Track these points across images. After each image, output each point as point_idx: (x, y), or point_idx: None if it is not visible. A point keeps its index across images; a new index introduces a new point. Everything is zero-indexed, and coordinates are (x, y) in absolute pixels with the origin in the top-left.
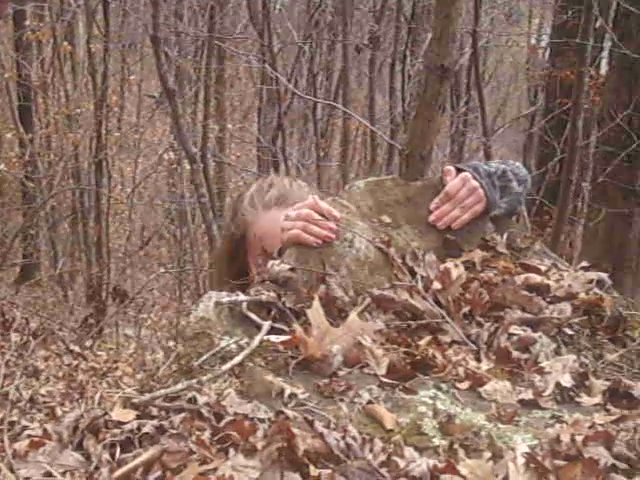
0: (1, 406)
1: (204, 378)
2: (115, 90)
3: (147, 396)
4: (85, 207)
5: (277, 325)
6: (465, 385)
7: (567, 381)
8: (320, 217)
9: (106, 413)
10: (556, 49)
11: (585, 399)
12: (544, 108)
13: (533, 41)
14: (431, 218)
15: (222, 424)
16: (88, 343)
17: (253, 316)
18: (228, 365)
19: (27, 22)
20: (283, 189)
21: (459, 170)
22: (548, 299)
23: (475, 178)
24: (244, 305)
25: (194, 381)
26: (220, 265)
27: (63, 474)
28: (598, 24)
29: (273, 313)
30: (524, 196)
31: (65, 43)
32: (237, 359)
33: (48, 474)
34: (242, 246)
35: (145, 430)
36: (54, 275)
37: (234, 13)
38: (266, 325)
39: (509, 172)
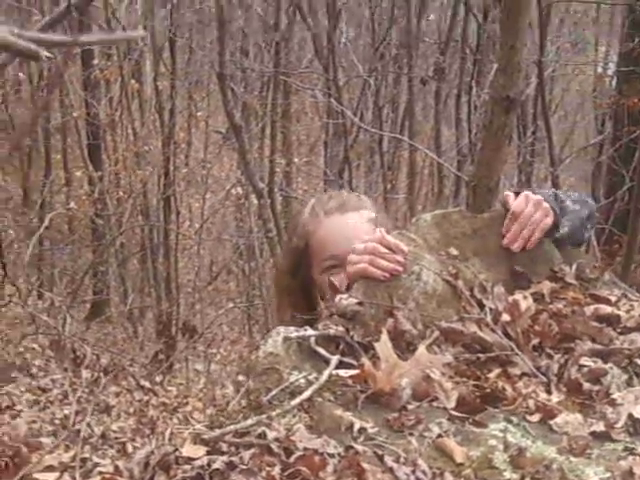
0: (73, 443)
1: (273, 413)
2: (182, 127)
3: (217, 432)
4: (154, 243)
5: (346, 359)
6: (536, 418)
7: (639, 413)
8: (387, 250)
9: (177, 449)
10: (623, 77)
11: None
12: (612, 136)
13: (600, 69)
14: (504, 242)
15: (292, 459)
16: (158, 379)
17: (321, 350)
18: (297, 400)
19: (95, 61)
20: (342, 198)
21: (517, 194)
22: (619, 330)
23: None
24: (312, 340)
25: (263, 416)
26: (282, 280)
27: None
28: None
29: (341, 347)
30: (589, 220)
31: (133, 81)
32: (306, 394)
33: None
34: (305, 257)
35: (215, 466)
36: (124, 311)
37: (299, 48)
38: (334, 359)
39: (559, 194)
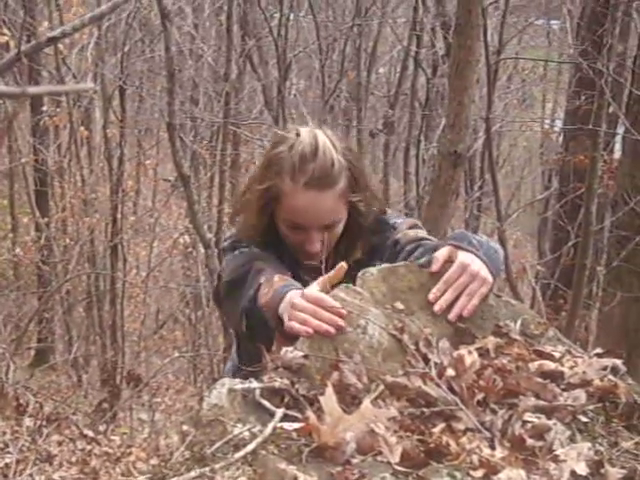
0: None
1: (217, 466)
2: (131, 175)
3: None
4: (100, 291)
5: (290, 412)
6: (479, 473)
7: (582, 469)
8: (324, 311)
9: None
10: (570, 134)
11: None
12: (558, 192)
13: (547, 126)
14: (435, 308)
15: None
16: (102, 428)
17: (266, 403)
18: (241, 453)
19: (44, 107)
20: (325, 170)
21: (457, 247)
22: (562, 386)
23: (476, 255)
24: (257, 392)
25: (207, 469)
26: (250, 208)
27: None
28: (611, 109)
29: (286, 400)
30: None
31: (82, 128)
32: (250, 447)
33: None
34: (274, 204)
35: None
36: (69, 359)
37: (249, 99)
38: (279, 412)
39: (485, 241)
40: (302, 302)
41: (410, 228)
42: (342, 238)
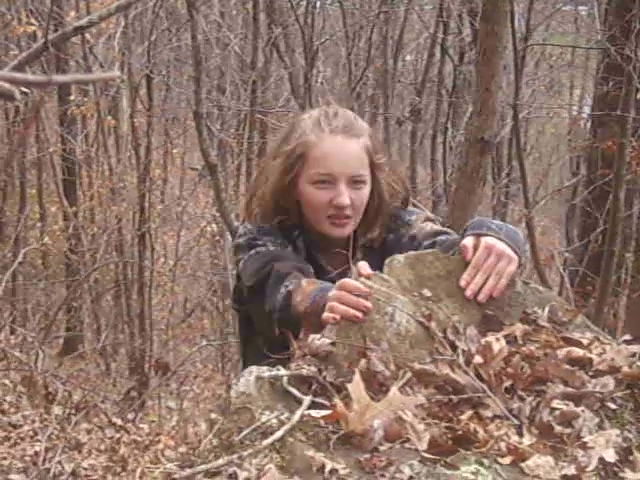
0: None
1: (245, 453)
2: (158, 163)
3: (188, 471)
4: (128, 280)
5: (318, 400)
6: (507, 460)
7: (611, 456)
8: (351, 296)
9: None
10: (598, 120)
11: (629, 474)
12: (586, 179)
13: (575, 112)
14: (467, 293)
15: None
16: (130, 416)
17: (294, 391)
18: (269, 440)
19: (72, 97)
20: (349, 120)
21: (479, 235)
22: (591, 373)
23: (498, 238)
24: (285, 380)
25: (235, 456)
26: (273, 174)
27: None
28: (639, 95)
29: (314, 388)
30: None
31: (109, 117)
32: (278, 434)
33: None
34: (299, 162)
35: None
36: (97, 347)
37: (276, 87)
38: (307, 400)
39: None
40: (332, 292)
41: (425, 222)
42: (363, 217)
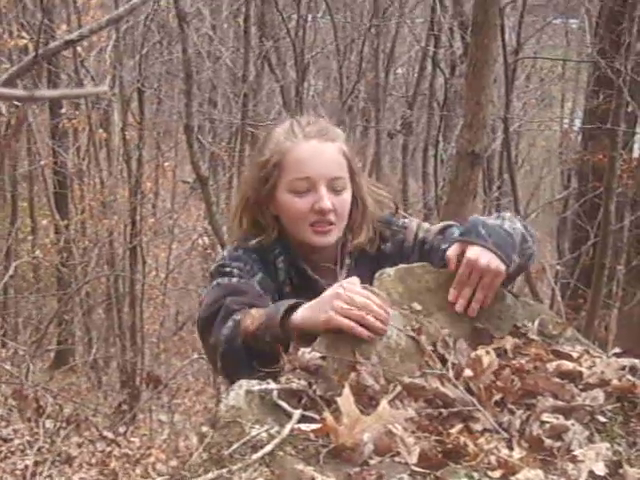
0: None
1: (235, 467)
2: (149, 176)
3: None
4: (119, 293)
5: (308, 413)
6: (497, 474)
7: (600, 469)
8: (378, 309)
9: None
10: (588, 133)
11: None
12: (577, 192)
13: (566, 125)
14: (457, 309)
15: None
16: (122, 429)
17: (284, 404)
18: (259, 454)
19: (63, 110)
20: (322, 125)
21: (465, 242)
22: (580, 386)
23: (484, 247)
24: (275, 393)
25: (224, 470)
26: (248, 188)
27: None
28: (630, 108)
29: (304, 401)
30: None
31: (100, 130)
32: (267, 448)
33: None
34: (275, 170)
35: None
36: (88, 361)
37: (267, 100)
38: (297, 414)
39: (527, 235)
40: (348, 294)
41: (422, 225)
42: (347, 223)
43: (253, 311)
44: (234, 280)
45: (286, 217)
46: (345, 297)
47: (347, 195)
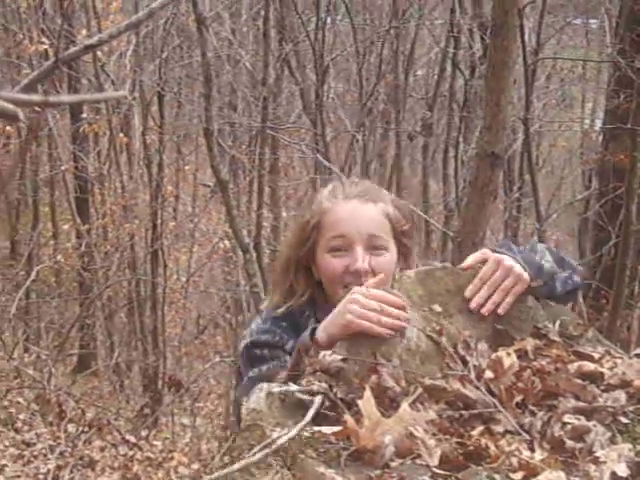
0: None
1: (256, 471)
2: (170, 180)
3: None
4: (141, 297)
5: (329, 414)
6: (519, 476)
7: (623, 471)
8: (391, 308)
9: None
10: (609, 133)
11: None
12: (598, 192)
13: (586, 126)
14: (472, 306)
15: None
16: (144, 433)
17: (304, 397)
18: (271, 447)
19: (84, 115)
20: (364, 187)
21: (492, 250)
22: (602, 387)
23: (513, 258)
24: (295, 394)
25: (245, 473)
26: (289, 250)
27: None
28: None
29: (325, 404)
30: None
31: (121, 135)
32: (281, 441)
33: None
34: (315, 231)
35: None
36: (110, 365)
37: (287, 103)
38: (317, 400)
39: (536, 254)
40: (364, 299)
41: None
42: None
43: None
44: (264, 369)
45: (324, 278)
46: (361, 300)
47: (389, 257)
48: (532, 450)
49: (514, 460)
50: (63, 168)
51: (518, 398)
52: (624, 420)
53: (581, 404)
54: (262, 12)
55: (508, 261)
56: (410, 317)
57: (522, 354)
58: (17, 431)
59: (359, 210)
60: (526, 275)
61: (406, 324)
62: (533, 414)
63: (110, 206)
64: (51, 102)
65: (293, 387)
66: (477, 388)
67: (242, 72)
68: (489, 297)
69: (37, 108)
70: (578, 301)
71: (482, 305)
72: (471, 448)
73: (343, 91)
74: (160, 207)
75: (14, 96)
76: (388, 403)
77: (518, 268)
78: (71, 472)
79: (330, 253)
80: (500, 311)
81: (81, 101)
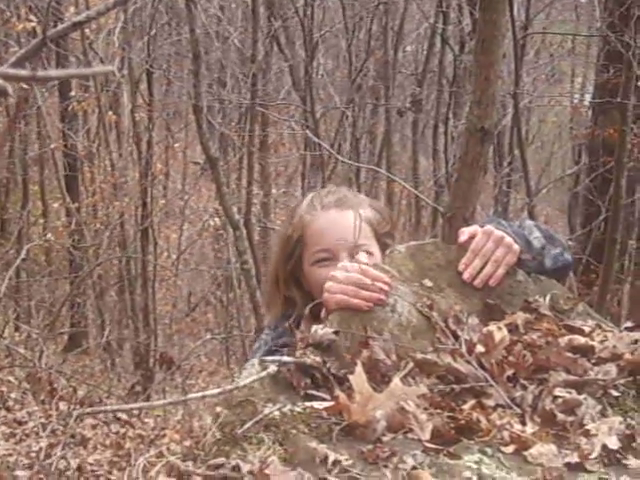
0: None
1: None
2: (160, 158)
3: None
4: (131, 275)
5: (320, 391)
6: (510, 449)
7: (614, 443)
8: (369, 282)
9: None
10: (599, 108)
11: (632, 461)
12: (588, 167)
13: (576, 100)
14: (465, 276)
15: None
16: (135, 411)
17: (286, 358)
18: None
19: (72, 93)
20: (341, 194)
21: (481, 226)
22: (593, 360)
23: (498, 229)
24: (287, 369)
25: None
26: (275, 265)
27: None
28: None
29: (316, 379)
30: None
31: (110, 113)
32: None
33: None
34: (298, 247)
35: None
36: (101, 343)
37: (277, 79)
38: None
39: (525, 229)
40: (342, 274)
41: None
42: None
43: None
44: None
45: (313, 290)
46: (338, 277)
47: (374, 259)
48: (523, 424)
49: (505, 434)
50: (52, 146)
51: (509, 372)
52: (615, 393)
53: (572, 377)
54: None
55: (498, 232)
56: (393, 289)
57: (513, 328)
58: (8, 410)
59: (339, 219)
60: (516, 246)
61: (384, 297)
62: (524, 388)
63: (100, 184)
64: (39, 77)
65: (286, 358)
66: (468, 362)
67: (231, 49)
68: (482, 268)
69: (25, 84)
70: (569, 278)
71: (475, 277)
72: (462, 422)
73: (332, 67)
74: (150, 185)
75: (1, 71)
76: (379, 378)
77: (508, 239)
78: (63, 450)
79: (316, 265)
80: (492, 282)
81: (69, 76)
